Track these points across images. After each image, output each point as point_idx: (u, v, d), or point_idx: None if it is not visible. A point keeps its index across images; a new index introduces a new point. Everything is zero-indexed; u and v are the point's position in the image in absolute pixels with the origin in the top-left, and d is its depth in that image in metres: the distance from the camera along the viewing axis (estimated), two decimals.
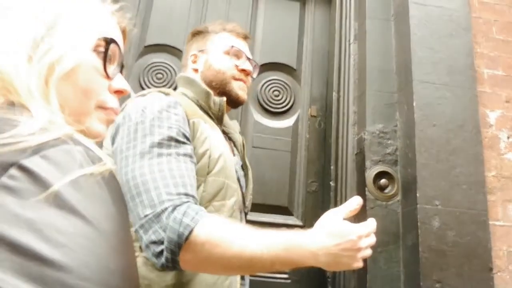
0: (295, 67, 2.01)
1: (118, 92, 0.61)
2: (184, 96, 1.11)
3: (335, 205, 1.71)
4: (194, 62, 1.20)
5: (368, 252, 0.85)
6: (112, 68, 0.59)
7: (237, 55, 1.19)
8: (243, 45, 1.23)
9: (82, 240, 0.39)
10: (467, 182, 1.48)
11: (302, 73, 2.02)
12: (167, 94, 1.03)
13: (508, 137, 1.64)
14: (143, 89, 1.84)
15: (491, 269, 1.38)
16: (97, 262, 0.39)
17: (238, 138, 1.24)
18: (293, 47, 2.04)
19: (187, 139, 0.95)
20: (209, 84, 1.15)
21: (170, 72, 1.89)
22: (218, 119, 1.13)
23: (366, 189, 1.56)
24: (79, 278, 0.37)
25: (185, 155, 0.92)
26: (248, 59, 1.22)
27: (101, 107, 0.58)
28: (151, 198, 0.83)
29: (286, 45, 2.04)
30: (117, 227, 0.44)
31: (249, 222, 1.69)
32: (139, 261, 0.91)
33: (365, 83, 1.73)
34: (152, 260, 0.83)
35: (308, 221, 1.77)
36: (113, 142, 0.97)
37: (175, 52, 1.92)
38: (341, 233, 0.81)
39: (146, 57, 1.92)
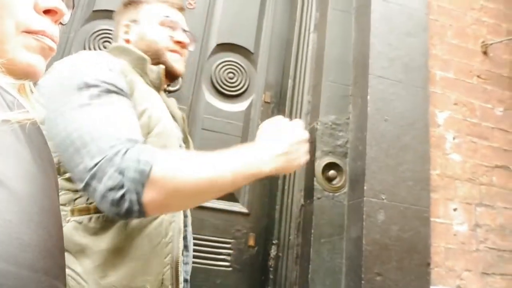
0: (252, 51, 1.95)
1: (48, 12, 0.48)
2: None
3: (282, 193, 1.68)
4: (126, 32, 1.14)
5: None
6: None
7: (172, 26, 1.14)
8: (179, 16, 1.18)
9: None
10: (413, 179, 1.50)
11: (259, 57, 1.96)
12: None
13: (453, 138, 1.69)
14: None
15: (429, 264, 1.41)
16: (5, 233, 0.31)
17: (178, 112, 1.19)
18: (252, 30, 1.98)
19: (126, 94, 0.90)
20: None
21: None
22: (156, 88, 1.06)
23: (315, 179, 1.54)
24: None
25: (128, 105, 0.87)
26: (184, 31, 1.17)
27: (27, 31, 0.46)
28: (99, 145, 0.76)
29: (244, 27, 1.97)
30: (37, 190, 0.35)
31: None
32: (69, 226, 0.83)
33: (322, 73, 1.71)
34: (111, 211, 0.75)
35: (254, 209, 1.73)
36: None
37: None
38: (286, 130, 0.91)
39: (94, 23, 1.77)
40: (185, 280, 0.98)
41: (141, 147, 0.78)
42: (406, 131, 1.57)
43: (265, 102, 1.90)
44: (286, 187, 1.67)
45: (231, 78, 1.88)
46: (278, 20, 2.04)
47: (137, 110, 0.91)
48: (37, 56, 0.47)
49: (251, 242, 1.68)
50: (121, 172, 0.74)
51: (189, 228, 1.09)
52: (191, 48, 1.21)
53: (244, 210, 1.72)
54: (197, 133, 1.76)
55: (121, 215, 0.76)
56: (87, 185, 0.76)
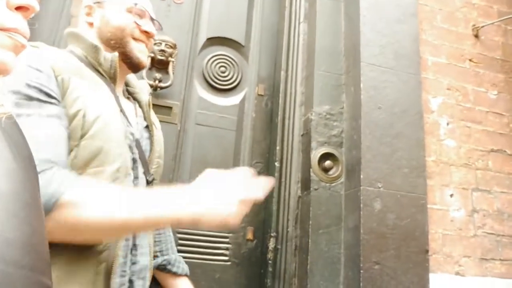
0: (243, 44, 1.93)
1: (20, 8, 0.47)
2: (71, 54, 1.00)
3: (279, 186, 1.67)
4: (89, 14, 1.07)
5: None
6: None
7: (140, 14, 1.07)
8: (146, 3, 1.11)
9: None
10: (408, 166, 1.50)
11: (250, 50, 1.95)
12: (34, 47, 0.91)
13: (447, 124, 1.69)
14: None
15: (427, 251, 1.42)
16: None
17: (145, 98, 1.14)
18: (242, 23, 1.97)
19: (54, 98, 0.85)
20: (107, 42, 1.04)
21: None
22: (112, 78, 1.01)
23: (311, 170, 1.54)
24: None
25: (49, 116, 0.81)
26: (152, 19, 1.11)
27: (1, 28, 0.45)
28: None
29: (234, 20, 1.95)
30: (18, 187, 0.36)
31: None
32: None
33: (314, 64, 1.70)
34: None
35: None
36: None
37: None
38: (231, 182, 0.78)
39: None
40: (130, 281, 0.91)
41: (53, 174, 0.74)
42: (399, 118, 1.56)
43: (259, 94, 1.89)
44: (282, 179, 1.67)
45: (223, 72, 1.87)
46: (267, 12, 2.02)
47: (69, 113, 0.86)
48: (9, 53, 0.46)
49: (250, 235, 1.68)
50: None
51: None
52: (156, 36, 1.15)
53: None
54: (191, 128, 1.75)
55: None
56: None
